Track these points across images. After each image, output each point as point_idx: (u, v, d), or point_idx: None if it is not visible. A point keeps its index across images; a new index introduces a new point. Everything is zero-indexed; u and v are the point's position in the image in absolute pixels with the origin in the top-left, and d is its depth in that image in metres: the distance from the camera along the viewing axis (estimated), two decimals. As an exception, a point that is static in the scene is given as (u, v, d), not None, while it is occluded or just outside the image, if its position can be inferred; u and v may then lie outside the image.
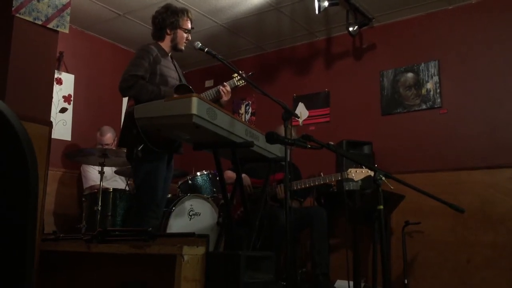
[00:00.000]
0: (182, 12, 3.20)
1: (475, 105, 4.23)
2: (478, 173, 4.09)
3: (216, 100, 3.24)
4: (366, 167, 3.54)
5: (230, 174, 3.82)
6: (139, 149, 2.98)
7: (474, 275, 3.94)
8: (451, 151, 4.27)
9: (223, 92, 3.20)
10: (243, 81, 3.29)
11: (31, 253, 0.67)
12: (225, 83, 3.26)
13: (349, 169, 3.57)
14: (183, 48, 3.26)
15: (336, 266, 4.10)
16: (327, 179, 3.65)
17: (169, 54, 3.28)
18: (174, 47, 3.22)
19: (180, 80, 3.25)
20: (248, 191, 3.68)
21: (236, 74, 3.27)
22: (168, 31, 3.19)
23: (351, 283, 3.34)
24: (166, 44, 3.23)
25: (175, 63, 3.35)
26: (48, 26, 3.14)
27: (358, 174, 3.56)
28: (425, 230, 4.20)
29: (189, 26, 3.24)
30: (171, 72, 3.19)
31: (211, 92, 3.22)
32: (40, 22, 3.09)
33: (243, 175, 3.46)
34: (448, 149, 4.29)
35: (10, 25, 2.96)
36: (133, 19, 4.88)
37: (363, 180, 3.85)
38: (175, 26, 3.17)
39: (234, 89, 3.32)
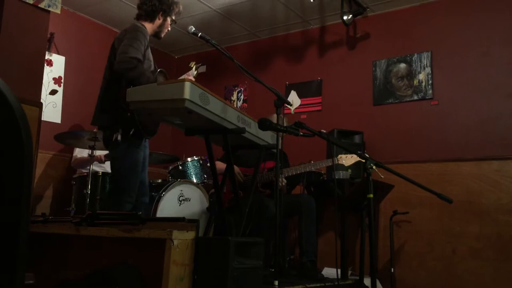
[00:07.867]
0: (176, 4, 3.24)
1: (465, 98, 4.26)
2: (466, 165, 4.13)
3: None
4: (357, 156, 3.55)
5: (219, 165, 3.81)
6: (131, 133, 2.97)
7: (459, 265, 4.00)
8: (440, 142, 4.30)
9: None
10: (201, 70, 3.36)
11: (25, 237, 0.67)
12: (189, 73, 3.30)
13: (339, 155, 3.58)
14: (162, 36, 3.31)
15: (323, 254, 4.14)
16: (317, 165, 3.66)
17: None
18: (157, 33, 3.24)
19: (154, 65, 3.24)
20: (239, 178, 3.68)
21: (193, 63, 3.35)
22: (160, 16, 3.17)
23: (339, 271, 3.37)
24: (151, 28, 3.21)
25: None
26: (39, 5, 3.10)
27: (348, 159, 3.57)
28: (413, 220, 4.25)
29: (174, 18, 3.30)
30: (152, 57, 3.19)
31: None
32: (31, 1, 3.05)
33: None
34: (437, 140, 4.32)
35: (1, 3, 2.91)
36: (126, 1, 4.81)
37: (353, 168, 3.86)
38: (167, 13, 3.19)
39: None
